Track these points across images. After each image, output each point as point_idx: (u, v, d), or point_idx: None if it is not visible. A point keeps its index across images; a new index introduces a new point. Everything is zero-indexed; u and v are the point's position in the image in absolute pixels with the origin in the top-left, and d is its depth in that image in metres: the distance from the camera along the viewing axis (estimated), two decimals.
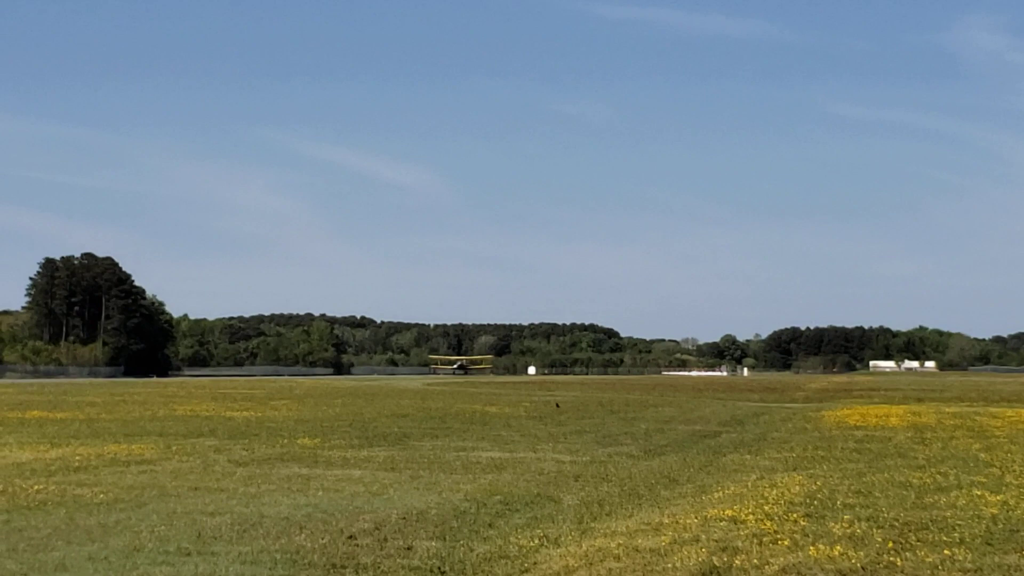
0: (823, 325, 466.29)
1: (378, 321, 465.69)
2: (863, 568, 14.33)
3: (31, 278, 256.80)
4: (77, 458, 31.14)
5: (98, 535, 17.78)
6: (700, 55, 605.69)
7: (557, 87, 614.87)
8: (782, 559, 14.93)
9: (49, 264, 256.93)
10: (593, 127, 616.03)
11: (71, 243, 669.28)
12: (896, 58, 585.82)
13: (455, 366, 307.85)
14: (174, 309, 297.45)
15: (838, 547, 15.53)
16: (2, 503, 21.59)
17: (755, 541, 16.25)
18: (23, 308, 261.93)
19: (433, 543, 17.50)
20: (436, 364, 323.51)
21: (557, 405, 70.98)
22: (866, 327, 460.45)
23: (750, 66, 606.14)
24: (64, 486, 24.34)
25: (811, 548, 15.50)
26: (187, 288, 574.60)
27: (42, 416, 53.13)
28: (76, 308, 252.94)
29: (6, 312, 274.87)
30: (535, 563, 15.82)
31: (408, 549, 16.95)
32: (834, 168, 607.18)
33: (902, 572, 14.18)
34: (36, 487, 24.03)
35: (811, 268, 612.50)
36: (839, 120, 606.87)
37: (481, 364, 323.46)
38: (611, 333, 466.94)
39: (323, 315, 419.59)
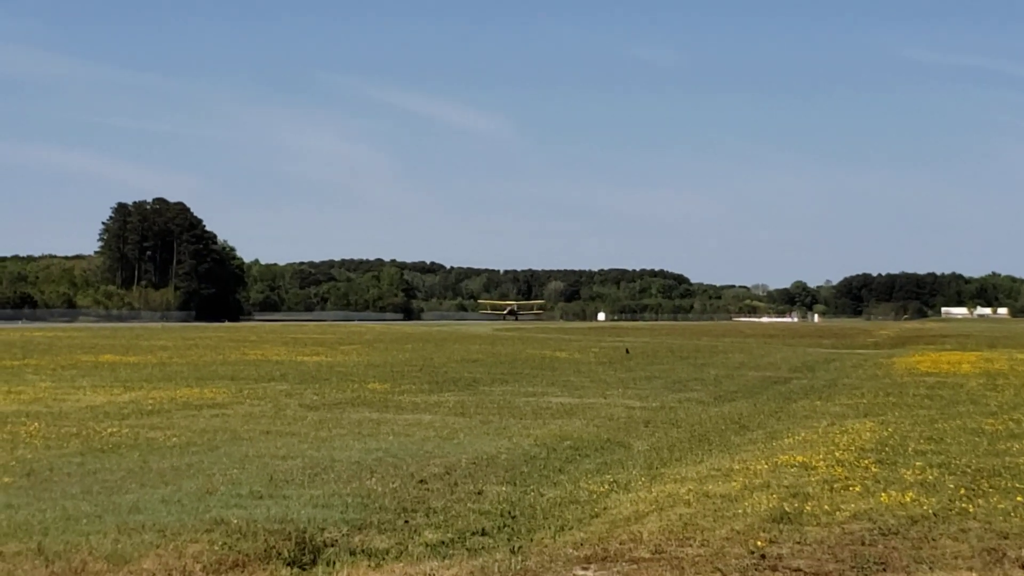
0: (894, 271, 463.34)
1: (448, 267, 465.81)
2: (935, 515, 14.24)
3: (103, 223, 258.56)
4: (150, 402, 31.38)
5: (171, 478, 17.91)
6: (771, 2, 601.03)
7: (628, 31, 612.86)
8: (853, 505, 14.85)
9: (121, 209, 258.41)
10: (664, 72, 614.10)
11: (143, 188, 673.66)
12: (969, 2, 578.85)
13: (505, 311, 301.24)
14: (245, 254, 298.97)
15: (910, 493, 15.43)
16: (77, 446, 21.78)
17: (826, 487, 16.17)
18: (96, 253, 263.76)
19: (503, 488, 17.53)
20: (486, 309, 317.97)
21: (627, 351, 70.94)
22: (938, 273, 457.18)
23: (820, 11, 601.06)
24: (137, 429, 24.53)
25: (882, 494, 15.40)
26: (258, 233, 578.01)
27: (115, 360, 53.57)
28: (148, 253, 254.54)
29: (79, 257, 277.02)
30: (605, 508, 15.82)
31: (478, 494, 16.99)
32: (906, 113, 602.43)
33: (974, 519, 14.07)
34: (110, 430, 24.22)
35: (883, 214, 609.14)
36: (911, 65, 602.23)
37: (533, 309, 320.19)
38: (681, 279, 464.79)
39: (393, 260, 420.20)
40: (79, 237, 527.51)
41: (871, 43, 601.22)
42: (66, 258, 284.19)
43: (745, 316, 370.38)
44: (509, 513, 15.47)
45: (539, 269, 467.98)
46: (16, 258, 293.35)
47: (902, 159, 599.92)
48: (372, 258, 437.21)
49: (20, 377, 40.87)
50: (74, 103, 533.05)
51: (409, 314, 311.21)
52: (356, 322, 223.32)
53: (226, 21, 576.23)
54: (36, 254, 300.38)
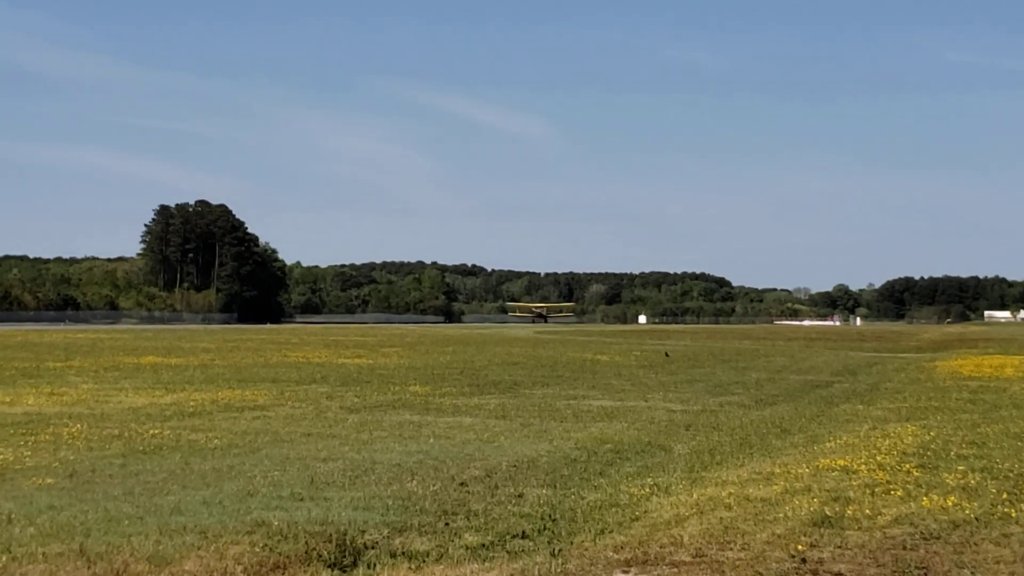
0: (937, 275, 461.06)
1: (489, 269, 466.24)
2: (977, 519, 14.19)
3: (146, 225, 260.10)
4: (192, 403, 31.50)
5: (213, 479, 17.96)
6: (814, 4, 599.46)
7: (669, 34, 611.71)
8: (895, 509, 14.81)
9: (164, 211, 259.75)
10: (704, 74, 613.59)
11: (186, 190, 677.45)
12: (1014, 5, 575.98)
13: (535, 314, 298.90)
14: (286, 256, 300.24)
15: (952, 498, 15.38)
16: (119, 447, 21.87)
17: (867, 491, 16.13)
18: (138, 255, 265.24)
19: (544, 491, 17.52)
20: (515, 312, 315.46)
21: (667, 355, 70.84)
22: (981, 276, 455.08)
23: (866, 14, 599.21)
24: (179, 431, 24.62)
25: (924, 499, 15.36)
26: (299, 236, 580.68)
27: (157, 362, 53.81)
28: (190, 255, 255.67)
29: (121, 259, 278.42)
30: (646, 511, 15.79)
31: (519, 496, 16.98)
32: (949, 115, 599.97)
33: (1016, 523, 14.02)
34: (152, 432, 24.32)
35: (925, 217, 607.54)
36: (955, 67, 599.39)
37: (563, 312, 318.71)
38: (722, 282, 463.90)
39: (434, 263, 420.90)
40: (122, 239, 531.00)
41: (914, 46, 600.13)
42: (109, 260, 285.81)
43: (787, 319, 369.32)
44: (549, 516, 15.46)
45: (580, 272, 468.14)
46: (59, 260, 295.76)
47: (945, 162, 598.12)
48: (413, 260, 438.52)
49: (63, 379, 41.07)
50: (117, 105, 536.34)
51: (450, 317, 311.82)
52: (397, 324, 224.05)
53: (270, 24, 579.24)
54: (79, 256, 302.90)
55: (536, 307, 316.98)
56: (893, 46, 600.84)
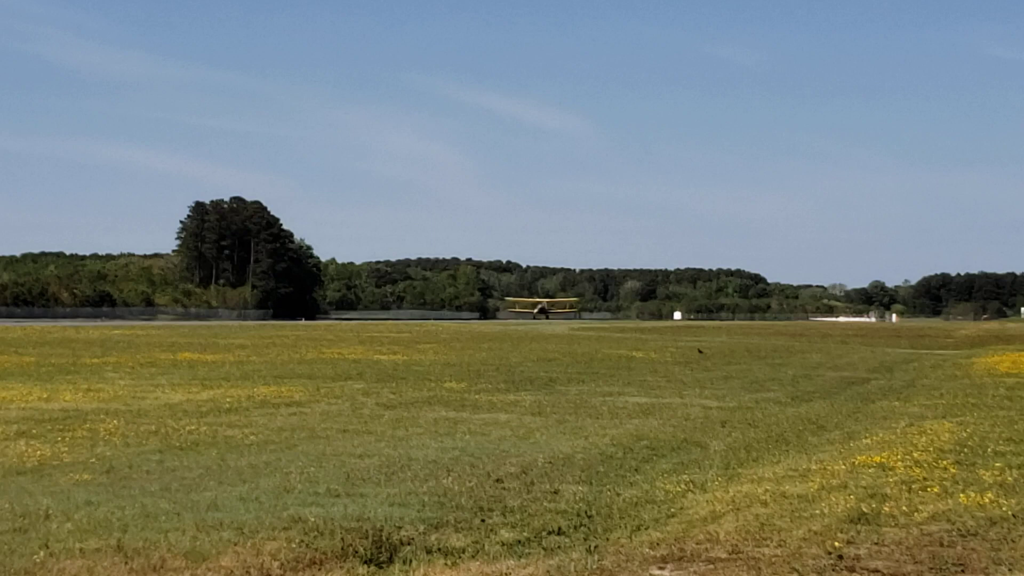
0: (973, 271, 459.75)
1: (524, 266, 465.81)
2: (1014, 516, 14.11)
3: (181, 222, 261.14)
4: (228, 400, 31.57)
5: (249, 476, 18.01)
6: (851, 3, 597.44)
7: (707, 30, 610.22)
8: (932, 506, 14.74)
9: (199, 208, 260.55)
10: (743, 71, 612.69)
11: (221, 187, 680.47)
12: None
13: (536, 309, 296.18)
14: (321, 253, 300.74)
15: (989, 494, 15.30)
16: (155, 443, 21.94)
17: (904, 488, 16.05)
18: (174, 252, 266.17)
19: (580, 487, 17.52)
20: (513, 308, 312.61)
21: (700, 351, 70.70)
22: (1017, 273, 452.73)
23: (907, 10, 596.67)
24: (215, 427, 24.69)
25: (961, 495, 15.28)
26: (334, 232, 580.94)
27: (193, 358, 53.93)
28: (225, 251, 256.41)
29: (157, 255, 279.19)
30: (682, 508, 15.78)
31: (555, 493, 16.98)
32: (986, 111, 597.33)
33: None
34: (188, 428, 24.39)
35: (962, 213, 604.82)
36: (993, 63, 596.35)
37: (566, 307, 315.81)
38: (758, 279, 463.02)
39: (469, 259, 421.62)
40: (157, 236, 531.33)
41: (952, 41, 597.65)
42: (144, 257, 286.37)
43: (822, 316, 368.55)
44: (585, 512, 15.46)
45: (615, 268, 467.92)
46: (95, 257, 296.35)
47: (982, 158, 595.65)
48: (448, 257, 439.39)
49: (99, 375, 41.21)
50: (154, 102, 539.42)
51: (485, 313, 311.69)
52: (432, 321, 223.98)
53: (305, 20, 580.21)
54: (115, 253, 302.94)
55: (537, 302, 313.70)
56: (932, 41, 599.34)
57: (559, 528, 14.46)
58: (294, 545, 13.00)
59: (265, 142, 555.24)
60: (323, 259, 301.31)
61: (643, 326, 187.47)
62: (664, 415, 29.20)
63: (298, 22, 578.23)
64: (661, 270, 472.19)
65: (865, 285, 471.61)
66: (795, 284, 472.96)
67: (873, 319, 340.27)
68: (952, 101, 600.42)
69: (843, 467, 18.33)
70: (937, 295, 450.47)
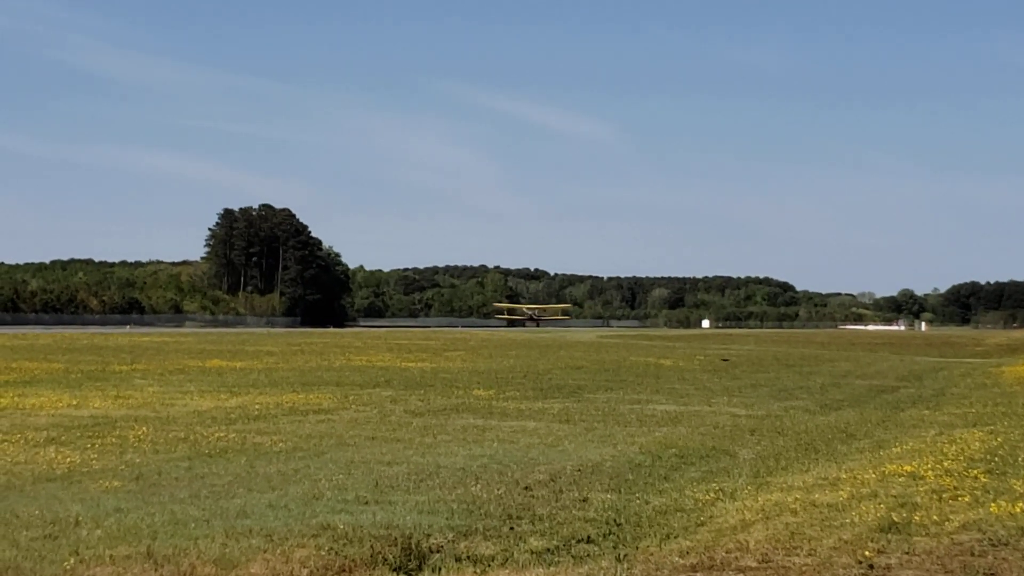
0: (1003, 279, 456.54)
1: (552, 273, 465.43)
2: None
3: (210, 229, 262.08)
4: (256, 407, 31.64)
5: (278, 483, 18.04)
6: (879, 7, 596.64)
7: (733, 37, 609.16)
8: (962, 515, 14.69)
9: (228, 215, 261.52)
10: (768, 77, 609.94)
11: (249, 194, 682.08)
12: None
13: (525, 318, 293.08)
14: (350, 260, 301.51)
15: (1020, 504, 15.23)
16: (184, 450, 22.00)
17: (934, 497, 16.01)
18: (202, 259, 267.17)
19: (608, 495, 17.50)
20: (502, 314, 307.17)
21: (724, 360, 70.59)
22: None
23: (929, 16, 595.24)
24: (244, 434, 24.74)
25: (992, 504, 15.22)
26: (362, 239, 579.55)
27: (222, 365, 54.08)
28: (254, 259, 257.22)
29: (186, 263, 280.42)
30: (711, 516, 15.75)
31: (583, 501, 16.97)
32: (1016, 119, 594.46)
33: None
34: (217, 435, 24.45)
35: (992, 221, 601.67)
36: (1019, 70, 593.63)
37: (557, 314, 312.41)
38: (786, 287, 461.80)
39: (497, 267, 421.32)
40: (186, 243, 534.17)
41: (981, 49, 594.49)
42: (173, 264, 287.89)
43: (851, 324, 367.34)
44: (615, 521, 15.44)
45: (643, 276, 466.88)
46: (124, 264, 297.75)
47: (1012, 165, 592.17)
48: (476, 264, 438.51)
49: (128, 382, 41.35)
50: (182, 109, 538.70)
51: (513, 320, 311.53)
52: (460, 328, 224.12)
53: (332, 26, 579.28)
54: (144, 260, 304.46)
55: (528, 308, 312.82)
56: (961, 47, 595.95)
57: (588, 536, 14.45)
58: (323, 552, 13.02)
59: (294, 149, 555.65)
60: (351, 266, 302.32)
61: (671, 334, 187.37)
62: (693, 423, 29.17)
63: (328, 29, 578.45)
64: (689, 278, 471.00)
65: (894, 293, 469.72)
66: (824, 292, 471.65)
67: (902, 327, 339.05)
68: (982, 108, 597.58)
69: (873, 476, 18.28)
70: (966, 303, 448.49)
